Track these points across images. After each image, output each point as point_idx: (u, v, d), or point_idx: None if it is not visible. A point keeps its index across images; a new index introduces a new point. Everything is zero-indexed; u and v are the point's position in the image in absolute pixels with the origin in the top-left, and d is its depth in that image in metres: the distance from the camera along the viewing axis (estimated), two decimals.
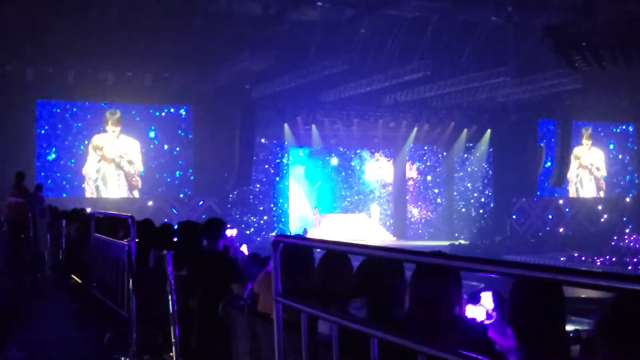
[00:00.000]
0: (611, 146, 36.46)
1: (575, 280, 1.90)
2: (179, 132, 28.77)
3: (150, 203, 28.09)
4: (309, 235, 31.42)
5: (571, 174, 34.55)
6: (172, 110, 28.71)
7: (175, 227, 7.62)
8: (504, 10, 21.09)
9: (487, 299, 4.73)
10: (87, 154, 27.46)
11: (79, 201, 25.76)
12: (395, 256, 2.85)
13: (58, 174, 27.04)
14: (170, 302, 5.58)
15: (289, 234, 28.60)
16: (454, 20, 22.09)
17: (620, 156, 36.59)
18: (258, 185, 29.79)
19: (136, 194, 28.12)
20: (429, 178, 33.87)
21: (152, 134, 28.37)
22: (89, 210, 25.46)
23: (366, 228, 32.40)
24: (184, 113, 28.90)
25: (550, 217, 34.48)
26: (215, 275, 5.78)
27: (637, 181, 36.76)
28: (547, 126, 33.16)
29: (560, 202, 34.88)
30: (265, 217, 30.03)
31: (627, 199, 36.27)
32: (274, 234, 29.27)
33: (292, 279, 3.77)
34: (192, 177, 28.82)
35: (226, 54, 23.62)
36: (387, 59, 24.15)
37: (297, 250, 4.16)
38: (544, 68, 24.86)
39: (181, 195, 28.84)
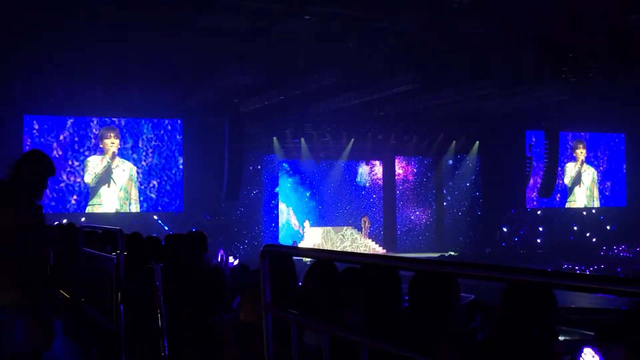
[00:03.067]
0: (601, 156, 36.62)
1: (570, 284, 1.89)
2: (168, 146, 28.70)
3: (139, 217, 27.99)
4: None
5: (560, 185, 34.69)
6: (160, 124, 28.65)
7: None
8: (491, 23, 21.17)
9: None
10: (75, 168, 27.35)
11: (68, 216, 25.63)
12: (381, 262, 2.84)
13: (46, 189, 26.88)
14: (159, 315, 5.54)
15: (274, 245, 28.41)
16: (442, 32, 22.15)
17: (610, 166, 36.75)
18: (247, 200, 29.72)
19: (125, 208, 28.01)
20: (418, 190, 33.89)
21: (140, 149, 28.30)
22: (82, 219, 25.35)
23: (355, 241, 32.35)
24: (172, 127, 28.83)
25: (539, 228, 34.56)
26: (204, 288, 5.75)
27: (626, 191, 36.89)
28: (536, 137, 33.31)
29: (550, 213, 34.98)
30: (254, 231, 29.95)
31: (616, 209, 36.39)
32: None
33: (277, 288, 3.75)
34: (181, 192, 28.74)
35: (214, 68, 23.61)
36: (376, 71, 24.20)
37: (279, 260, 4.14)
38: (531, 79, 24.99)
39: (171, 210, 28.73)
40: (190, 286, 5.92)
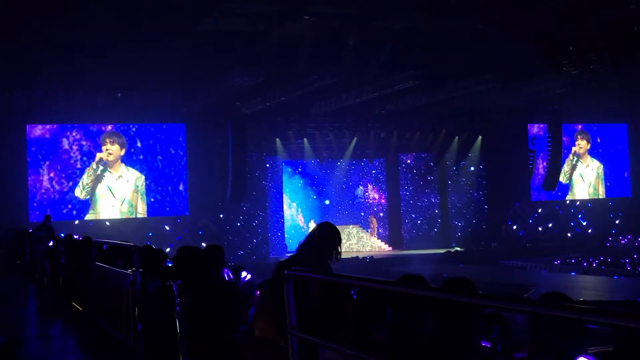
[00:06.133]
0: (604, 147, 36.55)
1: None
2: (172, 150, 28.70)
3: (145, 221, 27.98)
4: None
5: (563, 177, 34.67)
6: (163, 128, 28.64)
7: (168, 249, 7.60)
8: (491, 17, 21.17)
9: None
10: (80, 176, 27.36)
11: (74, 223, 25.68)
12: (394, 289, 2.86)
13: (51, 197, 26.92)
14: (177, 330, 5.56)
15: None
16: (442, 28, 22.16)
17: (613, 157, 36.67)
18: (252, 202, 29.71)
19: (131, 214, 28.00)
20: (422, 186, 33.84)
21: (144, 154, 28.30)
22: (91, 222, 25.20)
23: (361, 239, 32.37)
24: (175, 131, 28.83)
25: (544, 220, 34.53)
26: (221, 303, 5.76)
27: (630, 181, 36.84)
28: (538, 131, 33.30)
29: (554, 205, 34.94)
30: (260, 232, 29.94)
31: (621, 200, 36.35)
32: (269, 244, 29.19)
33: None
34: (186, 195, 28.73)
35: (215, 71, 23.61)
36: (377, 69, 24.18)
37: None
38: (532, 73, 24.96)
39: (176, 214, 28.72)
40: (208, 302, 5.93)
